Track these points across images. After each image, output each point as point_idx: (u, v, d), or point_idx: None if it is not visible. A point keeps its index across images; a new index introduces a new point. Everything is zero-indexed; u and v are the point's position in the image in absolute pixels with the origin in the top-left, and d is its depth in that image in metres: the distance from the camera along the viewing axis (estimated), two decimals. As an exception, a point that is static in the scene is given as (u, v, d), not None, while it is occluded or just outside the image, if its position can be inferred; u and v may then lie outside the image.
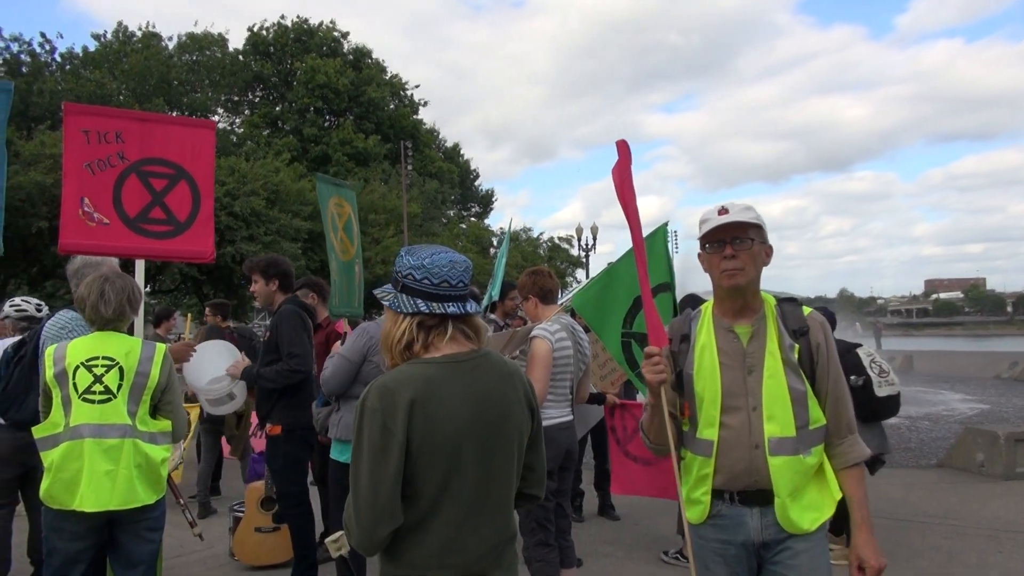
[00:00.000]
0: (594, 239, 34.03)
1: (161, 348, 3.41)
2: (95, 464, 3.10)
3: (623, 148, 2.93)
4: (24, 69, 30.73)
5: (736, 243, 2.39)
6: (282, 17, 41.07)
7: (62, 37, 74.19)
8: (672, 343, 2.58)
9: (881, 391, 5.47)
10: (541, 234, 44.22)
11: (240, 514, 5.54)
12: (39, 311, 5.07)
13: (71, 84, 30.58)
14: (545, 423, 3.79)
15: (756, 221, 2.41)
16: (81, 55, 34.48)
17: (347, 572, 3.81)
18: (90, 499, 3.08)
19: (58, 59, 33.24)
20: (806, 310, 2.47)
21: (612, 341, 4.52)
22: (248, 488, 5.50)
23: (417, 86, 47.40)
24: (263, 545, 5.42)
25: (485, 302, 6.42)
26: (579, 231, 34.58)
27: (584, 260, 35.86)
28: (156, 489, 3.28)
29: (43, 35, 33.07)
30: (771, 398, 2.35)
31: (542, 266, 4.67)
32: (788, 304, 2.49)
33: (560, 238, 48.57)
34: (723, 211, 2.41)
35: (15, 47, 31.35)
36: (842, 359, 5.67)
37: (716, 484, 2.40)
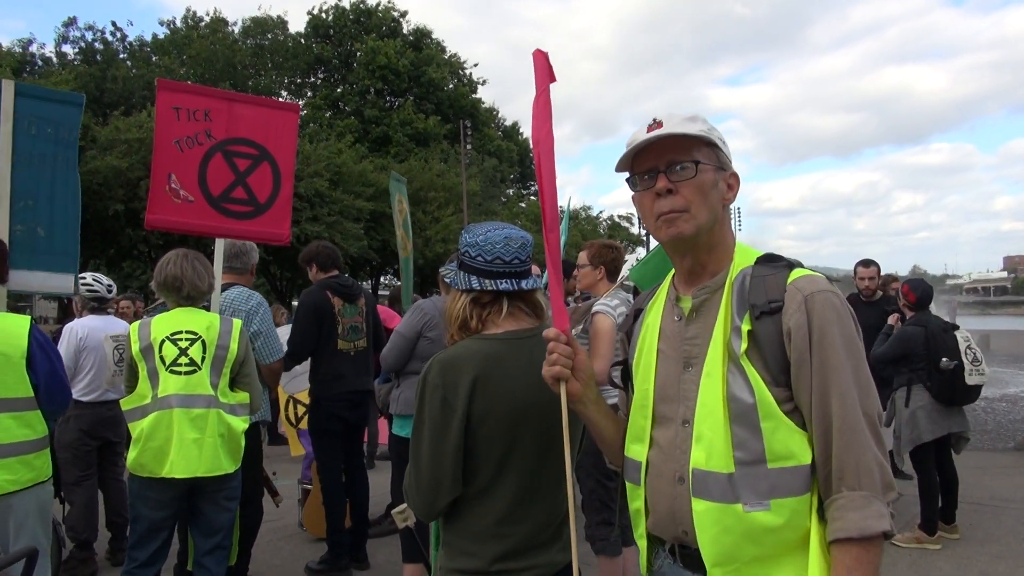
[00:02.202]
0: (655, 217, 33.58)
1: (238, 323, 3.56)
2: (183, 432, 3.25)
3: (541, 62, 1.95)
4: (98, 57, 31.85)
5: (674, 171, 1.60)
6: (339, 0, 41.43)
7: (132, 25, 76.63)
8: (626, 321, 1.91)
9: (971, 379, 5.29)
10: (601, 212, 43.84)
11: (309, 487, 5.72)
12: (109, 292, 5.29)
13: (142, 70, 31.55)
14: (612, 401, 3.76)
15: (704, 135, 1.60)
16: (151, 42, 35.52)
17: (413, 542, 3.90)
18: (180, 466, 3.24)
19: (129, 46, 34.31)
20: (796, 274, 1.54)
21: None
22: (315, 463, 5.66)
23: (476, 65, 47.50)
24: (331, 518, 5.60)
25: (544, 280, 6.41)
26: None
27: (644, 239, 35.46)
28: (236, 459, 3.44)
29: (114, 24, 34.17)
30: (704, 408, 1.54)
31: (618, 243, 4.60)
32: (764, 265, 1.60)
33: (620, 216, 48.15)
34: (656, 124, 1.62)
35: (89, 36, 32.56)
36: (938, 340, 5.45)
37: (649, 526, 1.68)
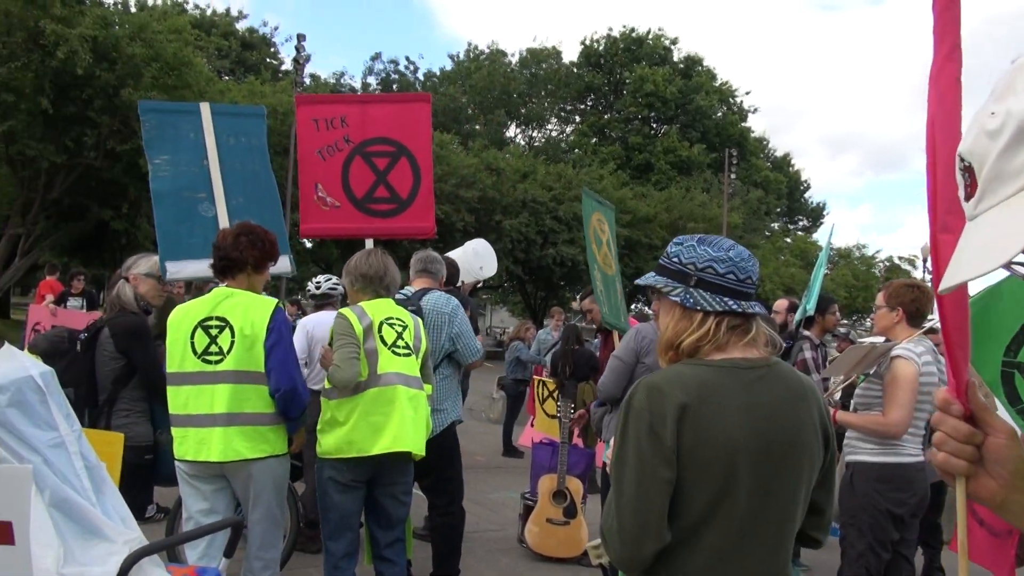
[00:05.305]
0: (943, 260, 29.89)
1: (419, 320, 3.74)
2: (404, 409, 3.38)
3: None
4: (394, 87, 35.59)
5: None
6: (610, 29, 42.39)
7: (423, 58, 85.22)
8: None
9: None
10: (878, 252, 40.09)
11: (530, 502, 5.69)
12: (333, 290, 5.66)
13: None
14: (901, 460, 3.47)
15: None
16: (439, 73, 38.97)
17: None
18: (402, 439, 3.35)
19: (420, 78, 37.99)
20: None
21: (989, 370, 3.77)
22: (540, 480, 5.63)
23: (748, 92, 46.05)
24: (553, 537, 5.54)
25: (798, 316, 5.85)
26: (926, 251, 30.58)
27: (926, 284, 31.71)
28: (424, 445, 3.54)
29: (408, 58, 38.42)
30: None
31: (925, 284, 4.10)
32: None
33: (901, 257, 43.74)
34: None
35: (390, 68, 36.68)
36: None
37: None
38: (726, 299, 1.70)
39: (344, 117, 4.52)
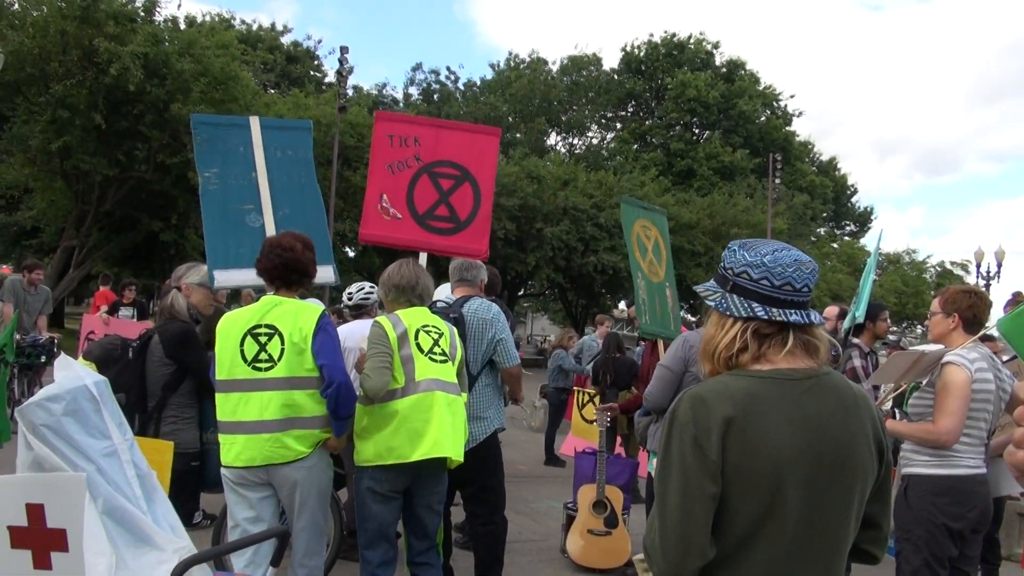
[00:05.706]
0: (999, 266, 28.98)
1: (455, 329, 3.76)
2: (443, 415, 3.39)
3: None
4: (435, 97, 35.87)
5: None
6: (651, 35, 42.14)
7: (463, 67, 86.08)
8: None
9: None
10: (928, 257, 39.10)
11: (573, 512, 5.65)
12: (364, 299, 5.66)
13: (471, 108, 34.84)
14: (958, 472, 3.34)
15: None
16: (480, 83, 39.19)
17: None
18: (442, 445, 3.35)
19: (461, 87, 38.28)
20: None
21: None
22: (580, 490, 5.58)
23: (792, 96, 45.45)
24: (595, 548, 5.47)
25: (847, 323, 5.72)
26: (979, 256, 29.69)
27: (983, 290, 30.76)
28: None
29: (448, 68, 38.73)
30: None
31: (982, 289, 3.93)
32: None
33: (953, 263, 42.62)
34: None
35: (431, 78, 37.02)
36: None
37: None
38: (754, 305, 1.65)
39: (418, 137, 4.79)
